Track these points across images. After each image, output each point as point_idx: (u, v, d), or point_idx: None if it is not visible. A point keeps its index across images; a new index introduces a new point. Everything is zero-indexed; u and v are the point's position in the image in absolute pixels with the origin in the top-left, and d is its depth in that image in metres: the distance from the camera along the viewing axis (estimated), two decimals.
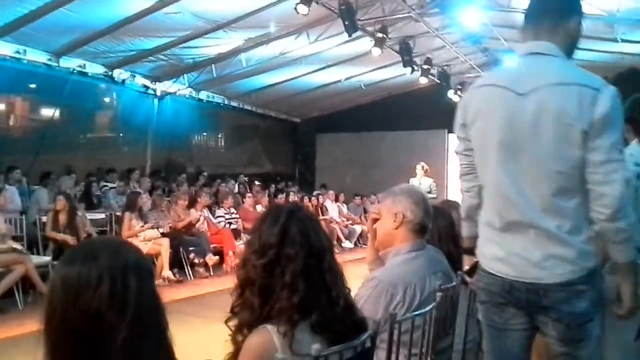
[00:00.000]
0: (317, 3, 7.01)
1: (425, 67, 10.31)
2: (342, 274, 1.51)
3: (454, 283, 2.32)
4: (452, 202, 3.54)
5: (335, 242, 11.00)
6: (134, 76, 10.06)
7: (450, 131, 12.90)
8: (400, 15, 8.35)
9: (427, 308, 2.05)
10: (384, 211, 2.27)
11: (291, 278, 1.42)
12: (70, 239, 6.41)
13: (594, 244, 1.80)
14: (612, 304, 1.85)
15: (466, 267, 2.16)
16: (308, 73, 11.24)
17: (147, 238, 7.38)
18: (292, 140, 15.42)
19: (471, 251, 2.09)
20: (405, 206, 2.23)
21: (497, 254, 1.87)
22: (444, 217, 2.87)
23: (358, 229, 11.88)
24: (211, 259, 7.89)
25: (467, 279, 2.17)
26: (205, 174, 11.16)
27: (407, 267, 2.17)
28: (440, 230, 2.77)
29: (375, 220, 2.34)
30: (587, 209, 1.79)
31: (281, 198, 11.18)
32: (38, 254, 6.56)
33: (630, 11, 7.05)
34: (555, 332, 1.82)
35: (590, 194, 1.78)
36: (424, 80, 10.71)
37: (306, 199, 11.72)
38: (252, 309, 1.45)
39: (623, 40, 7.93)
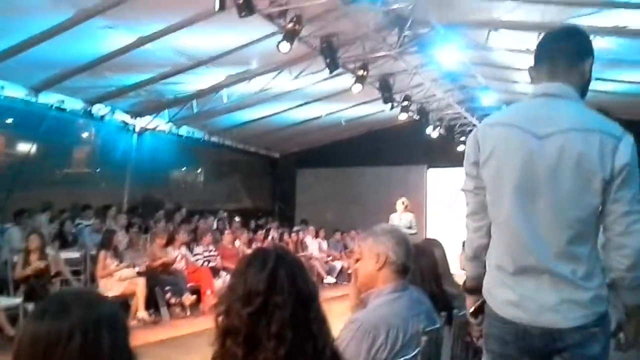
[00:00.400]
0: (299, 41, 7.11)
1: (405, 103, 10.47)
2: (327, 322, 1.46)
3: (437, 325, 2.28)
4: (434, 240, 3.52)
5: (316, 278, 10.92)
6: (114, 112, 10.01)
7: (431, 166, 14.01)
8: (381, 54, 8.50)
9: (412, 353, 2.01)
10: (365, 252, 2.24)
11: (278, 328, 1.36)
12: (40, 265, 6.38)
13: (605, 289, 1.82)
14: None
15: (470, 309, 2.13)
16: (289, 109, 11.31)
17: (123, 277, 7.25)
18: (272, 175, 15.42)
19: (475, 291, 2.07)
20: (387, 247, 2.20)
21: (510, 297, 1.85)
22: (426, 257, 2.85)
23: (338, 264, 11.84)
24: (188, 298, 7.76)
25: (472, 320, 2.14)
26: (184, 210, 11.07)
27: (389, 309, 2.14)
28: (423, 270, 2.74)
29: (357, 261, 2.30)
30: (597, 254, 1.81)
31: (261, 234, 11.11)
32: (8, 295, 6.41)
33: (601, 51, 7.26)
34: None
35: (609, 244, 1.80)
36: (403, 117, 10.80)
37: (286, 235, 11.68)
38: (234, 359, 1.38)
39: (597, 79, 8.06)
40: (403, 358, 1.96)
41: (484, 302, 1.98)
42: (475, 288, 2.07)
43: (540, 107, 1.87)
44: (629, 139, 1.78)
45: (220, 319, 1.43)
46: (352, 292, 2.42)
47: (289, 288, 1.41)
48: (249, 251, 2.94)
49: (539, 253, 1.80)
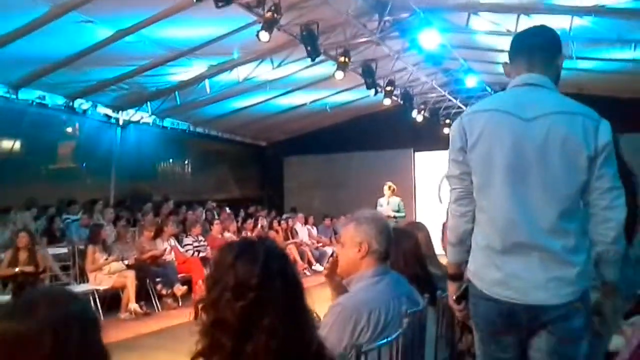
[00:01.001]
0: (279, 30, 7.09)
1: (389, 88, 10.44)
2: (312, 312, 1.49)
3: (420, 307, 2.32)
4: (418, 223, 3.59)
5: (305, 265, 11.01)
6: (96, 106, 9.92)
7: (417, 150, 14.05)
8: (362, 40, 8.49)
9: (394, 335, 2.04)
10: (347, 239, 2.27)
11: (271, 322, 1.36)
12: (29, 268, 6.38)
13: (591, 264, 1.92)
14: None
15: (453, 296, 2.16)
16: (273, 97, 11.24)
17: (112, 271, 7.26)
18: (259, 164, 15.34)
19: (458, 277, 2.13)
20: (370, 235, 2.23)
21: (497, 277, 1.92)
22: (408, 239, 2.87)
23: (329, 251, 11.81)
24: (179, 289, 7.75)
25: (455, 306, 2.18)
26: (172, 201, 10.98)
27: (370, 292, 2.18)
28: (406, 253, 2.77)
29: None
30: (584, 230, 1.91)
31: (250, 223, 11.12)
32: None
33: (582, 29, 7.34)
34: (547, 346, 1.91)
35: (594, 218, 1.91)
36: (387, 102, 10.74)
37: (275, 223, 11.68)
38: (222, 350, 1.37)
39: (578, 57, 8.14)
40: (385, 339, 2.00)
41: (466, 288, 2.05)
42: (458, 274, 2.12)
43: (524, 94, 1.99)
44: (606, 122, 1.94)
45: (207, 310, 1.42)
46: (328, 278, 2.48)
47: (280, 282, 1.42)
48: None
49: (530, 229, 1.88)
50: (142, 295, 7.41)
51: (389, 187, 9.72)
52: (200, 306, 1.44)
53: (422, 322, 2.36)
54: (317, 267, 11.33)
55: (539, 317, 1.88)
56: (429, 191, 13.47)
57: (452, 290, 2.18)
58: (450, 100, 12.51)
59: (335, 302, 2.15)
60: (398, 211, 9.48)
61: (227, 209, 11.71)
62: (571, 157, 1.88)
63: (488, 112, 2.00)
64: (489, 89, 11.89)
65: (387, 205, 9.46)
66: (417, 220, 3.77)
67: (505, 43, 2.86)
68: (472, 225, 2.03)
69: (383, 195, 9.67)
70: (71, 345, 1.02)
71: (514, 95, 2.02)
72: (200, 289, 7.42)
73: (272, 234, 10.82)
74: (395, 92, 10.84)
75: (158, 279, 7.74)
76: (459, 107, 12.71)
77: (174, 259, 8.42)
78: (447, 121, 12.88)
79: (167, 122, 11.59)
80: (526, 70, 2.03)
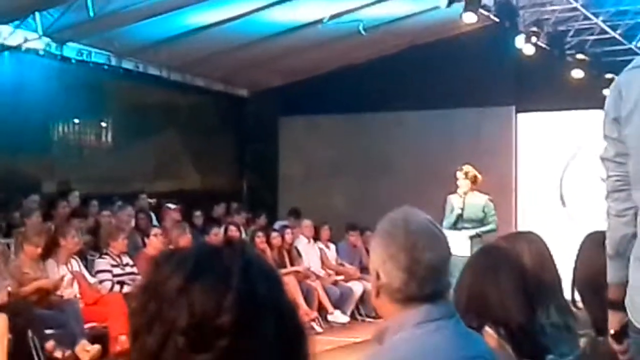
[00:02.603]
0: None
1: None
2: None
3: None
4: (527, 234, 3.00)
5: (314, 312, 9.45)
6: None
7: (521, 109, 11.94)
8: None
9: None
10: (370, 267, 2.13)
11: None
12: None
13: None
14: None
15: (612, 331, 2.14)
16: (261, 8, 9.85)
17: None
18: (236, 129, 13.58)
19: (620, 305, 2.09)
20: (377, 261, 1.96)
21: None
22: (503, 266, 2.43)
23: (358, 288, 10.21)
24: (86, 350, 6.92)
25: (615, 346, 2.14)
26: (77, 194, 9.57)
27: (418, 348, 1.91)
28: (500, 290, 2.47)
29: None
30: None
31: (216, 233, 9.55)
32: None
33: None
34: None
35: None
36: (471, 19, 9.16)
37: (261, 236, 9.89)
38: None
39: None
40: None
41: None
42: (619, 300, 2.10)
43: None
44: None
45: None
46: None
47: (272, 323, 1.13)
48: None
49: None
50: (22, 357, 6.81)
51: (466, 175, 8.16)
52: None
53: None
54: (336, 315, 9.75)
55: None
56: (542, 183, 11.51)
57: (612, 322, 2.14)
58: (586, 18, 10.58)
59: None
60: (484, 220, 8.02)
61: (173, 206, 10.08)
62: None
63: None
64: None
65: (461, 208, 7.87)
66: (524, 231, 3.23)
67: None
68: (633, 229, 2.04)
69: (455, 190, 8.26)
70: None
71: None
72: (122, 346, 6.99)
73: (264, 257, 8.51)
74: (485, 2, 9.43)
75: (49, 332, 6.98)
76: (602, 32, 10.74)
77: (78, 295, 7.66)
78: (580, 57, 10.82)
79: (71, 51, 10.13)
80: None
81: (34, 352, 6.84)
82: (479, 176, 8.39)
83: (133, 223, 9.84)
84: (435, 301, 1.92)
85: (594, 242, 2.80)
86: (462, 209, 8.16)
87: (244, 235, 10.25)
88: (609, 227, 2.09)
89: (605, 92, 10.10)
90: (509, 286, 2.46)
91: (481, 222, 8.12)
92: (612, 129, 1.99)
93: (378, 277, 1.93)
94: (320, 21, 10.58)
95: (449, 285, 2.04)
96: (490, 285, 2.35)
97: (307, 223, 11.15)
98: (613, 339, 2.08)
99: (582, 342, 2.70)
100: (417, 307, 1.90)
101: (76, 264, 7.89)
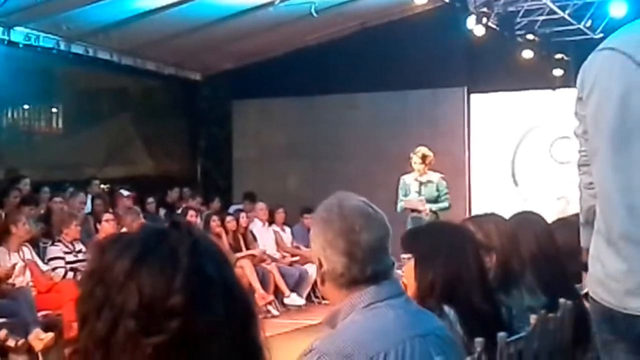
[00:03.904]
0: None
1: None
2: (267, 355, 1.30)
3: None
4: (494, 216, 3.24)
5: (271, 295, 9.90)
6: None
7: (474, 89, 12.53)
8: None
9: None
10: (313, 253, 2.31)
11: None
12: None
13: None
14: None
15: (586, 290, 2.52)
16: None
17: None
18: (188, 114, 13.96)
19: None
20: (320, 248, 2.07)
21: (598, 275, 2.27)
22: (457, 248, 2.64)
23: (313, 270, 11.07)
24: (39, 338, 7.14)
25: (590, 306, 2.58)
26: (27, 181, 9.89)
27: (369, 327, 2.01)
28: (450, 273, 2.56)
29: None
30: None
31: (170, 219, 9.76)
32: None
33: None
34: None
35: None
36: (422, 0, 9.77)
37: (216, 220, 10.37)
38: None
39: None
40: None
41: None
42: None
43: None
44: None
45: (88, 354, 1.19)
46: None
47: (221, 302, 1.19)
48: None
49: (630, 215, 2.15)
50: None
51: (422, 157, 8.75)
52: (72, 352, 1.29)
53: None
54: (292, 298, 10.26)
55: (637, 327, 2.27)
56: (494, 164, 12.21)
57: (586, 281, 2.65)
58: None
59: (307, 349, 1.97)
60: (437, 199, 8.62)
61: (127, 193, 10.58)
62: None
63: (606, 52, 2.26)
64: None
65: (418, 189, 8.52)
66: (492, 213, 3.26)
67: None
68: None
69: (409, 171, 8.80)
70: None
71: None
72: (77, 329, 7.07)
73: (211, 238, 9.09)
74: None
75: (1, 320, 7.21)
76: (552, 13, 11.26)
77: (31, 283, 7.85)
78: (530, 38, 11.52)
79: (18, 35, 10.34)
80: None
81: None
82: (432, 156, 8.78)
83: (87, 209, 9.97)
84: (380, 282, 2.02)
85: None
86: (418, 192, 8.55)
87: (198, 220, 10.25)
88: (580, 198, 2.39)
89: (555, 72, 9.83)
90: (474, 267, 2.61)
91: (435, 200, 8.60)
92: (579, 107, 2.24)
93: (321, 265, 2.03)
94: (272, 3, 10.77)
95: (393, 265, 2.09)
96: (455, 266, 2.50)
97: (261, 206, 11.40)
98: (586, 299, 2.45)
99: (533, 318, 2.83)
100: (363, 290, 2.00)
101: (28, 252, 7.97)
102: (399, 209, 8.52)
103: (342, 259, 1.97)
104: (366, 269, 1.98)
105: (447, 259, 2.54)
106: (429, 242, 2.67)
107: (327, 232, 2.00)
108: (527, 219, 3.58)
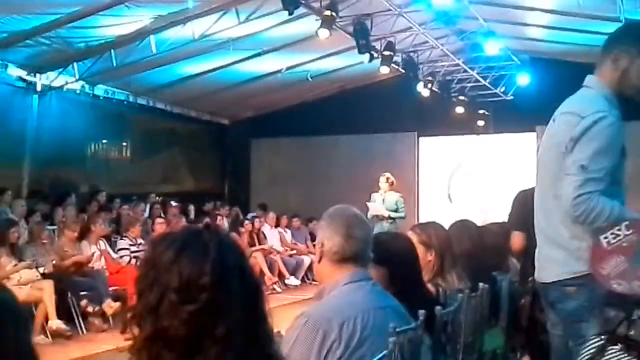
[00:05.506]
0: None
1: (387, 53, 10.50)
2: (271, 324, 1.54)
3: (412, 325, 2.38)
4: (427, 224, 3.67)
5: (276, 278, 11.17)
6: (6, 66, 9.90)
7: (422, 134, 14.29)
8: None
9: (377, 356, 2.11)
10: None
11: (227, 330, 1.39)
12: None
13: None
14: None
15: None
16: (238, 61, 11.33)
17: (23, 281, 7.26)
18: (219, 148, 15.58)
19: None
20: (324, 234, 2.41)
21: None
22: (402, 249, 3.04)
23: (306, 260, 12.05)
24: (110, 306, 7.82)
25: None
26: (104, 194, 11.13)
27: (345, 299, 2.28)
28: (402, 265, 2.93)
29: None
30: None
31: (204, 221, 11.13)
32: None
33: None
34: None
35: None
36: (385, 70, 10.86)
37: (236, 224, 11.99)
38: None
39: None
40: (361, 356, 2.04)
41: None
42: None
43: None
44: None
45: (142, 320, 1.43)
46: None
47: (238, 282, 1.45)
48: None
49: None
50: (62, 313, 7.42)
51: (387, 180, 9.84)
52: (132, 316, 1.44)
53: (414, 346, 2.40)
54: (291, 280, 11.55)
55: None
56: (435, 186, 13.76)
57: None
58: (465, 71, 12.65)
59: (299, 313, 2.23)
60: (397, 210, 9.67)
61: (174, 203, 11.95)
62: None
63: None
64: (514, 58, 12.14)
65: (383, 203, 9.60)
66: (433, 221, 3.77)
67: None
68: None
69: (377, 190, 9.82)
70: (6, 343, 1.12)
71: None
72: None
73: (233, 237, 10.88)
74: (395, 59, 10.96)
75: (83, 293, 7.76)
76: (477, 81, 12.86)
77: (105, 267, 8.48)
78: (461, 98, 13.01)
79: (100, 90, 11.58)
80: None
81: (72, 308, 7.60)
82: (393, 180, 9.86)
83: (146, 215, 10.91)
84: (359, 266, 2.38)
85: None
86: (382, 202, 9.62)
87: (226, 223, 11.54)
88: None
89: (479, 122, 12.62)
90: (417, 265, 3.04)
91: (395, 211, 9.60)
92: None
93: (322, 245, 2.40)
94: (279, 71, 12.09)
95: (370, 259, 2.46)
96: (405, 264, 2.85)
97: (271, 214, 12.63)
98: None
99: (459, 298, 3.14)
100: (348, 269, 2.36)
101: (103, 245, 8.67)
102: (369, 215, 9.32)
103: (340, 239, 2.36)
104: (353, 251, 2.37)
105: (400, 259, 2.84)
106: (386, 248, 2.92)
107: (332, 225, 2.39)
108: (465, 224, 3.97)
